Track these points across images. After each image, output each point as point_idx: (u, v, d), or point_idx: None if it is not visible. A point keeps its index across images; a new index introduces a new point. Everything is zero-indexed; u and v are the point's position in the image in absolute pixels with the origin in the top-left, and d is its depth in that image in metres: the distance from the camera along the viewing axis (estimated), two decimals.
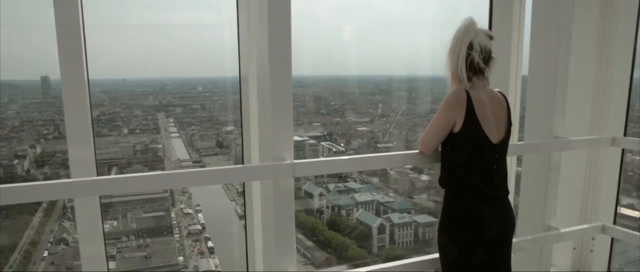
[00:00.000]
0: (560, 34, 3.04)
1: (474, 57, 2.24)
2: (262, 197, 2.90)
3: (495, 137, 2.33)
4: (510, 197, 2.59)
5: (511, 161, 3.64)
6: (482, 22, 3.51)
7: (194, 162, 7.42)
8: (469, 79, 2.30)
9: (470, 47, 2.23)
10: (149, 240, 5.96)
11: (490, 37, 2.32)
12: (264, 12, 2.30)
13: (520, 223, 3.29)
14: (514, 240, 2.80)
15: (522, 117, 3.64)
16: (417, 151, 2.47)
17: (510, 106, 2.47)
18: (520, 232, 3.26)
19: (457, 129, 2.27)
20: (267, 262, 2.87)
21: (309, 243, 6.97)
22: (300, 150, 7.56)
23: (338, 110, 8.28)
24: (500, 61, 3.39)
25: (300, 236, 7.07)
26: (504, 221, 2.46)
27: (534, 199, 3.25)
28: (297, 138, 7.54)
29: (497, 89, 2.46)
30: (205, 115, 7.95)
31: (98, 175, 2.60)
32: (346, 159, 2.66)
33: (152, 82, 7.89)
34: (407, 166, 6.39)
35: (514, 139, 3.37)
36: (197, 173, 2.20)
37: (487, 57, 2.31)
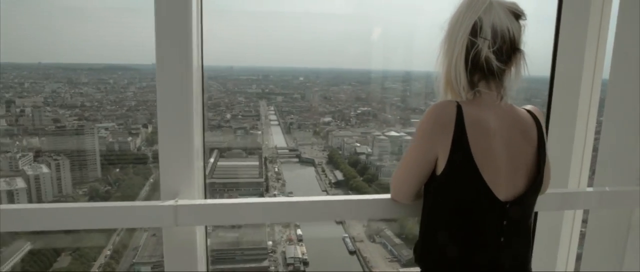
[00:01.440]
0: None
1: (481, 49, 1.33)
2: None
3: (505, 189, 1.38)
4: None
5: (574, 216, 2.45)
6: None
7: (290, 150, 7.63)
8: (472, 86, 1.39)
9: (475, 31, 1.33)
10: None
11: (517, 15, 1.38)
12: None
13: None
14: None
15: (596, 149, 2.31)
16: (388, 196, 1.57)
17: (544, 135, 1.48)
18: None
19: (439, 169, 1.37)
20: None
21: (397, 240, 6.89)
22: (396, 146, 7.48)
23: None
24: (571, 58, 2.20)
25: (389, 233, 7.01)
26: None
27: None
28: (393, 133, 7.47)
29: (527, 107, 1.51)
30: (305, 105, 8.11)
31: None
32: (275, 202, 1.74)
33: (257, 70, 8.19)
34: None
35: (582, 185, 2.35)
36: (42, 210, 1.55)
37: (509, 50, 1.37)
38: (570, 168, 2.29)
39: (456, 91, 1.40)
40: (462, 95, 1.39)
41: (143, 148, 6.46)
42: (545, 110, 2.28)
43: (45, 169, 4.82)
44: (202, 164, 1.95)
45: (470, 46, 1.34)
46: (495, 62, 1.34)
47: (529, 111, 1.49)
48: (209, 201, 1.67)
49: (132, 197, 5.90)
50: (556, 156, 2.14)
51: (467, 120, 1.32)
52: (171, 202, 1.57)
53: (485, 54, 1.33)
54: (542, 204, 1.63)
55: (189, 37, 1.62)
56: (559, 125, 2.19)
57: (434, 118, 1.35)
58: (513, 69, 1.40)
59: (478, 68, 1.36)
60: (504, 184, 1.38)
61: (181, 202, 1.58)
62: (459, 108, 1.32)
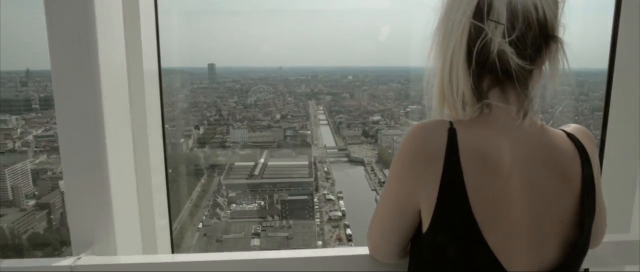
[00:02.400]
0: None
1: (491, 40, 0.87)
2: None
3: (525, 260, 0.90)
4: None
5: None
6: None
7: (339, 149, 7.63)
8: (479, 97, 0.93)
9: (481, 11, 0.86)
10: (291, 221, 6.28)
11: None
12: None
13: None
14: None
15: None
16: (366, 250, 1.19)
17: (595, 172, 0.97)
18: None
19: (424, 225, 0.93)
20: None
21: None
22: None
23: None
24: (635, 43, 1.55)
25: None
26: None
27: None
28: None
29: (567, 128, 1.01)
30: (354, 104, 8.10)
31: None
32: (213, 261, 1.22)
33: (306, 70, 8.25)
34: None
35: None
36: None
37: (538, 39, 0.90)
38: (634, 203, 1.61)
39: (452, 105, 0.94)
40: (460, 112, 0.94)
41: (195, 149, 6.64)
42: (601, 120, 1.71)
43: None
44: (164, 194, 1.47)
45: (475, 35, 0.88)
46: (514, 59, 0.86)
47: (569, 135, 0.98)
48: (124, 259, 1.20)
49: (185, 198, 6.09)
50: (613, 187, 1.56)
51: (465, 150, 0.86)
52: (68, 261, 1.13)
53: (498, 46, 0.85)
54: (591, 259, 1.09)
55: (92, 34, 1.17)
56: (618, 141, 1.63)
57: (414, 147, 0.90)
58: (545, 69, 0.94)
59: (487, 68, 0.89)
60: (522, 254, 0.89)
61: (85, 260, 1.13)
62: (451, 132, 0.86)
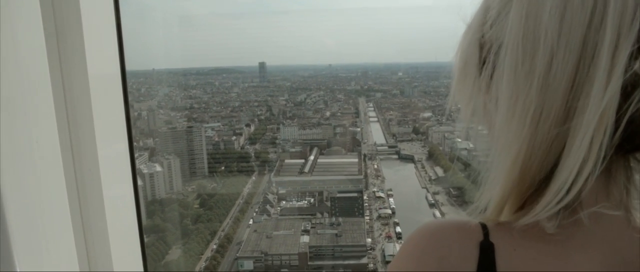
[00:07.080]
0: None
1: None
2: None
3: None
4: None
5: None
6: None
7: (389, 147, 7.57)
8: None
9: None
10: (340, 219, 6.29)
11: None
12: None
13: None
14: None
15: None
16: None
17: None
18: None
19: None
20: None
21: None
22: None
23: None
24: None
25: None
26: None
27: None
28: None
29: None
30: (404, 101, 8.03)
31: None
32: None
33: (356, 67, 8.24)
34: None
35: None
36: None
37: None
38: None
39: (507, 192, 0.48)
40: (495, 215, 0.50)
41: (246, 147, 6.77)
42: None
43: (158, 168, 5.22)
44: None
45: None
46: None
47: None
48: None
49: (236, 195, 6.21)
50: None
51: None
52: None
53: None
54: None
55: None
56: None
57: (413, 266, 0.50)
58: None
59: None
60: None
61: None
62: (485, 248, 0.48)
